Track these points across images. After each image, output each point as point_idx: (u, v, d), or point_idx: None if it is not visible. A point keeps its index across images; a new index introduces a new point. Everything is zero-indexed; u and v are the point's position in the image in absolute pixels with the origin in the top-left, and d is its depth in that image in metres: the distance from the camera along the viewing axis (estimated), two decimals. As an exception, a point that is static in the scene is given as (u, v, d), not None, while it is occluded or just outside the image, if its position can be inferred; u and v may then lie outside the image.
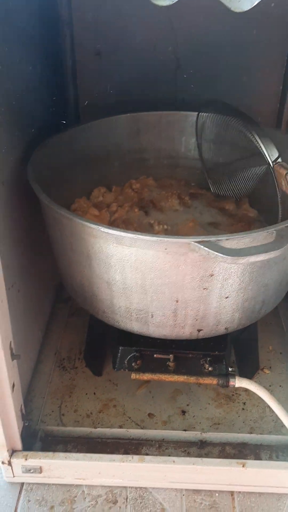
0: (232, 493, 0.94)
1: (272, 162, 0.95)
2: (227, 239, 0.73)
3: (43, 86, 1.12)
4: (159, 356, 0.96)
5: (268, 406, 0.96)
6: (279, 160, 0.96)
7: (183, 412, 1.06)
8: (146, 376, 0.96)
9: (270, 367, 1.16)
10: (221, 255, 0.70)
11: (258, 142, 0.95)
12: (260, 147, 0.95)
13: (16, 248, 0.95)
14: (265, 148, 0.95)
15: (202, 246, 0.72)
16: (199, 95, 1.21)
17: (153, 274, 0.80)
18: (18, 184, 0.93)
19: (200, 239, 0.73)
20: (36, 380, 1.11)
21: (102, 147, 1.18)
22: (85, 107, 1.30)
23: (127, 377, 1.12)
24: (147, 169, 1.24)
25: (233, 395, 1.10)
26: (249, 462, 0.91)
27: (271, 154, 0.95)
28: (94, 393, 1.10)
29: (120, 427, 1.01)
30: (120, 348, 0.98)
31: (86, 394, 1.10)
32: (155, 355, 0.97)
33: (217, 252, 0.71)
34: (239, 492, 0.94)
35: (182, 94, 1.26)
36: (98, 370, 1.14)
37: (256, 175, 1.03)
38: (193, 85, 1.24)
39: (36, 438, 0.97)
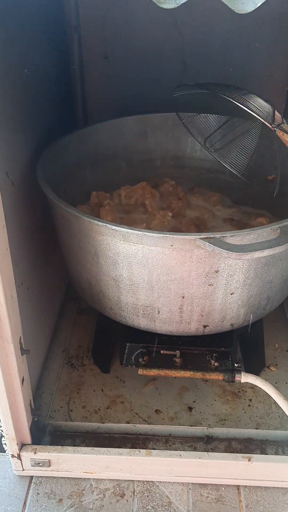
0: (238, 487, 0.95)
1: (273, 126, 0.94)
2: (232, 236, 0.74)
3: (51, 88, 1.15)
4: (166, 352, 0.98)
5: (274, 403, 0.97)
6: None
7: (190, 408, 1.07)
8: (153, 372, 0.97)
9: (276, 365, 1.17)
10: (226, 251, 0.72)
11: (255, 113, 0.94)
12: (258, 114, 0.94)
13: (26, 247, 0.98)
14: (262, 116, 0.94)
15: (207, 243, 0.73)
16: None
17: (159, 271, 0.82)
18: (28, 183, 0.95)
19: (205, 236, 0.74)
20: (45, 377, 1.13)
21: (109, 148, 1.21)
22: (92, 109, 1.33)
23: (134, 374, 1.14)
24: (154, 169, 1.26)
25: (239, 392, 1.11)
26: (255, 456, 0.92)
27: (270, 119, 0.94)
28: (102, 390, 1.12)
29: (128, 422, 1.03)
30: (128, 344, 1.00)
31: (94, 390, 1.11)
32: (161, 351, 0.98)
33: (222, 248, 0.72)
34: (245, 486, 0.95)
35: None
36: (105, 368, 1.16)
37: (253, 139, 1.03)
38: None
39: (45, 433, 0.99)
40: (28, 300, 1.01)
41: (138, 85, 1.30)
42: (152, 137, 1.26)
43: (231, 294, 0.86)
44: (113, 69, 1.30)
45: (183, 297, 0.85)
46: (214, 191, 1.21)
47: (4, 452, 1.03)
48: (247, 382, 0.95)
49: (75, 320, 1.31)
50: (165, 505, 0.92)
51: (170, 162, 1.30)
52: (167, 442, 1.00)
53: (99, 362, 1.17)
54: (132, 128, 1.23)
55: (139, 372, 0.98)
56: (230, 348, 0.98)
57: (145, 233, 0.77)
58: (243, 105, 0.93)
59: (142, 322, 0.92)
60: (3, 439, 1.01)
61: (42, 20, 1.06)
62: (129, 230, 0.77)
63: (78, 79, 1.29)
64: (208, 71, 1.28)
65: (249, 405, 1.08)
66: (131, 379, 1.14)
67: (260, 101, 0.96)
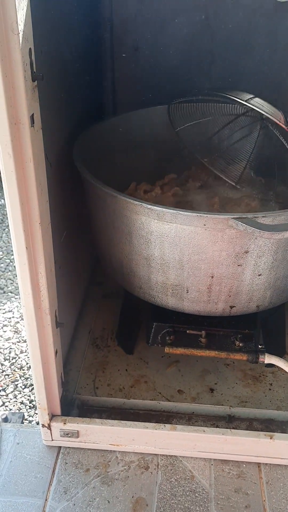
0: (259, 464, 0.98)
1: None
2: (263, 216, 0.78)
3: (84, 77, 1.18)
4: (192, 332, 1.01)
5: (295, 385, 1.00)
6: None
7: (211, 390, 1.10)
8: (179, 351, 1.01)
9: (296, 352, 1.20)
10: (258, 230, 0.75)
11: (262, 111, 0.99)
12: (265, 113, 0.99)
13: (59, 227, 1.02)
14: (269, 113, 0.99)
15: (240, 222, 0.77)
16: (233, 88, 1.26)
17: (190, 250, 0.85)
18: (63, 166, 0.99)
19: (238, 216, 0.77)
20: (72, 355, 1.17)
21: (139, 136, 1.24)
22: (122, 99, 1.36)
23: (157, 356, 1.17)
24: (181, 158, 1.29)
25: (260, 376, 1.14)
26: (277, 434, 0.95)
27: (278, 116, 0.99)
28: (126, 370, 1.15)
29: (152, 400, 1.06)
30: (154, 324, 1.03)
31: (119, 370, 1.15)
32: (188, 331, 1.01)
33: (254, 227, 0.75)
34: (266, 464, 0.98)
35: (216, 85, 1.31)
36: (129, 349, 1.19)
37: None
38: (227, 79, 1.29)
39: (73, 406, 1.03)
40: (59, 279, 1.04)
41: (167, 76, 1.34)
42: (186, 127, 1.29)
43: (259, 275, 0.89)
44: (142, 60, 1.33)
45: (212, 277, 0.88)
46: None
47: (23, 423, 1.08)
48: (268, 367, 0.97)
49: (100, 303, 1.35)
50: (188, 478, 0.96)
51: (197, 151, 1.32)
52: (190, 420, 1.03)
53: (123, 344, 1.21)
54: (161, 118, 1.27)
55: (165, 350, 1.01)
56: (254, 330, 1.01)
57: (179, 211, 0.80)
58: (258, 108, 0.98)
59: (170, 301, 0.96)
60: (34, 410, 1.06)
61: (78, 10, 1.10)
62: (163, 209, 0.81)
63: (108, 68, 1.33)
64: (235, 63, 1.31)
65: (269, 389, 1.11)
66: (154, 360, 1.17)
67: (267, 104, 1.01)
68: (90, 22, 1.23)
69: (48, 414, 0.95)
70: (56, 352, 0.89)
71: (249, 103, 1.02)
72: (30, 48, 0.62)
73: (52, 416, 0.96)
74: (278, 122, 1.02)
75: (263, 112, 1.00)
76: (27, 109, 0.62)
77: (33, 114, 0.65)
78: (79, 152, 0.98)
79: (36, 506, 0.90)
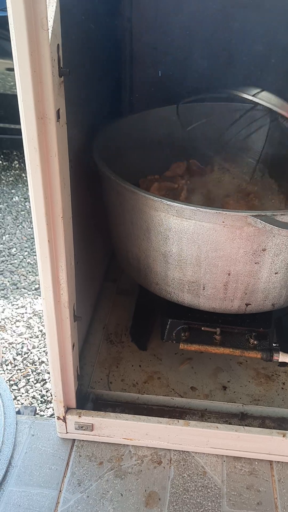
0: (271, 462, 0.98)
1: None
2: (282, 214, 0.78)
3: (102, 75, 1.20)
4: (207, 329, 1.02)
5: (309, 384, 1.00)
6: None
7: (224, 387, 1.11)
8: (194, 347, 1.01)
9: (310, 351, 1.20)
10: (277, 228, 0.76)
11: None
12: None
13: (78, 223, 1.03)
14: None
15: (258, 220, 0.77)
16: (250, 87, 1.27)
17: (208, 247, 0.86)
18: (81, 162, 1.01)
19: (257, 213, 0.78)
20: (86, 350, 1.18)
21: (155, 134, 1.25)
22: (139, 97, 1.37)
23: (170, 353, 1.18)
24: (197, 157, 1.30)
25: (272, 375, 1.14)
26: (290, 432, 0.95)
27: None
28: (140, 366, 1.16)
29: (165, 396, 1.07)
30: (169, 320, 1.04)
31: (132, 366, 1.16)
32: (202, 328, 1.02)
33: (272, 225, 0.76)
34: (278, 462, 0.98)
35: (233, 86, 1.32)
36: (143, 345, 1.20)
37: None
38: (244, 78, 1.30)
39: (87, 400, 1.04)
40: (76, 274, 1.06)
41: (184, 76, 1.35)
42: (197, 125, 1.30)
43: (276, 273, 0.89)
44: (161, 59, 1.34)
45: (229, 274, 0.89)
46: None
47: (35, 414, 1.09)
48: (281, 367, 0.98)
49: (114, 300, 1.36)
50: (200, 474, 0.96)
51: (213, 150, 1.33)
52: (203, 416, 1.04)
53: (137, 340, 1.22)
54: (178, 116, 1.27)
55: (180, 346, 1.02)
56: (269, 329, 1.02)
57: (199, 208, 0.81)
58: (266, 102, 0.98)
59: (186, 298, 0.97)
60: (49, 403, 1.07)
61: (100, 10, 1.11)
62: (183, 205, 0.82)
63: (127, 67, 1.34)
64: (252, 63, 1.32)
65: (282, 388, 1.11)
66: (168, 357, 1.18)
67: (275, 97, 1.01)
68: (110, 21, 1.24)
69: (64, 406, 0.96)
70: (73, 346, 0.91)
71: (256, 98, 1.01)
72: (58, 44, 0.63)
73: (68, 409, 0.98)
74: (285, 114, 1.02)
75: (270, 106, 1.00)
76: (53, 104, 0.63)
77: (59, 109, 0.66)
78: (98, 148, 0.99)
79: (51, 497, 0.92)
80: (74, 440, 1.02)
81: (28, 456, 0.98)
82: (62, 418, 0.97)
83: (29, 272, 2.01)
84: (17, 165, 2.93)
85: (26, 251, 2.15)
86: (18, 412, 1.12)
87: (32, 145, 0.65)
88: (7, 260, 2.08)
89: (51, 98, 0.63)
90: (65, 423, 0.98)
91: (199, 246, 0.86)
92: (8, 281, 1.94)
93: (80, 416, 0.97)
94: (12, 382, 1.48)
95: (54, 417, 0.99)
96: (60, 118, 0.67)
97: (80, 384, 1.05)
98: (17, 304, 1.80)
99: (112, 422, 0.97)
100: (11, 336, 1.65)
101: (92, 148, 0.99)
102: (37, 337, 1.66)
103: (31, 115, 0.62)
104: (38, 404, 1.41)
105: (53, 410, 1.10)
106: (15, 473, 0.95)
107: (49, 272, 0.78)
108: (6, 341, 1.62)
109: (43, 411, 1.39)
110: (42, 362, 1.55)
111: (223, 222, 0.81)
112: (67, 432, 1.00)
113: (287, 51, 1.30)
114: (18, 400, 1.42)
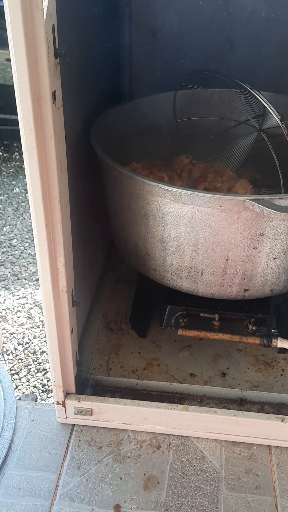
0: (269, 447, 0.99)
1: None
2: (280, 198, 0.78)
3: (101, 62, 1.19)
4: (205, 315, 1.02)
5: (308, 369, 1.00)
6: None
7: (223, 374, 1.11)
8: (192, 333, 1.02)
9: (309, 338, 1.20)
10: (275, 211, 0.75)
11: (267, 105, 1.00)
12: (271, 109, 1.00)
13: (76, 208, 1.03)
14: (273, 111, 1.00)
15: (256, 204, 0.77)
16: (251, 74, 1.26)
17: (206, 232, 0.86)
18: (81, 148, 1.01)
19: (254, 197, 0.78)
20: (86, 336, 1.19)
21: (156, 121, 1.25)
22: (138, 83, 1.37)
23: (170, 340, 1.18)
24: (197, 144, 1.29)
25: (272, 361, 1.15)
26: (288, 417, 0.95)
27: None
28: (139, 353, 1.17)
29: (164, 381, 1.08)
30: (168, 306, 1.05)
31: (132, 353, 1.17)
32: (201, 314, 1.02)
33: (270, 209, 0.76)
34: (277, 446, 0.99)
35: (234, 73, 1.31)
36: (142, 333, 1.21)
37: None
38: (245, 65, 1.29)
39: (87, 386, 1.04)
40: (75, 261, 1.06)
41: (185, 61, 1.34)
42: (197, 112, 1.29)
43: (274, 258, 0.89)
44: (160, 46, 1.33)
45: (227, 260, 0.89)
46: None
47: (36, 401, 1.10)
48: (280, 353, 0.98)
49: (114, 288, 1.36)
50: (199, 458, 0.97)
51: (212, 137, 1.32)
52: (202, 402, 1.05)
53: (136, 327, 1.22)
54: (178, 102, 1.27)
55: (179, 332, 1.02)
56: (268, 315, 1.02)
57: (196, 193, 0.81)
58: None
59: (184, 284, 0.97)
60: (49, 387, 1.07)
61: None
62: (180, 190, 0.82)
63: (126, 53, 1.33)
64: (253, 51, 1.31)
65: (281, 375, 1.11)
66: (167, 344, 1.18)
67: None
68: (109, 7, 1.23)
69: (63, 391, 0.97)
70: (72, 331, 0.91)
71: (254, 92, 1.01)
72: (53, 25, 0.63)
73: (67, 394, 0.98)
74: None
75: (270, 111, 1.00)
76: (49, 86, 0.63)
77: (55, 91, 0.66)
78: (96, 134, 0.99)
79: (50, 480, 0.93)
80: (73, 425, 1.02)
81: (28, 441, 0.99)
82: (61, 403, 0.98)
83: (30, 263, 2.02)
84: (17, 157, 2.92)
85: (27, 242, 2.16)
86: (19, 400, 1.13)
87: (28, 127, 0.65)
88: (8, 251, 2.08)
89: (47, 79, 0.63)
90: (65, 408, 0.99)
91: (197, 231, 0.86)
92: (9, 272, 1.95)
93: (79, 401, 0.98)
94: (13, 372, 1.49)
95: (54, 404, 1.00)
96: (56, 100, 0.67)
97: (79, 370, 1.05)
98: (18, 295, 1.81)
99: (111, 407, 0.97)
100: (12, 326, 1.66)
101: (91, 134, 0.99)
102: (38, 327, 1.66)
103: (26, 96, 0.62)
104: (39, 393, 1.42)
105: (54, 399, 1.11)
106: (15, 457, 0.96)
107: (46, 256, 0.78)
108: (7, 331, 1.63)
109: (44, 400, 1.40)
110: (43, 352, 1.56)
111: (221, 206, 0.81)
112: (66, 417, 1.00)
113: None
114: (19, 389, 1.43)
